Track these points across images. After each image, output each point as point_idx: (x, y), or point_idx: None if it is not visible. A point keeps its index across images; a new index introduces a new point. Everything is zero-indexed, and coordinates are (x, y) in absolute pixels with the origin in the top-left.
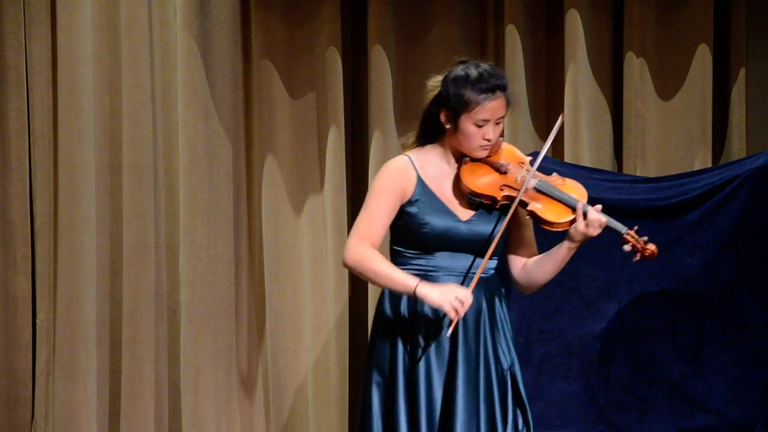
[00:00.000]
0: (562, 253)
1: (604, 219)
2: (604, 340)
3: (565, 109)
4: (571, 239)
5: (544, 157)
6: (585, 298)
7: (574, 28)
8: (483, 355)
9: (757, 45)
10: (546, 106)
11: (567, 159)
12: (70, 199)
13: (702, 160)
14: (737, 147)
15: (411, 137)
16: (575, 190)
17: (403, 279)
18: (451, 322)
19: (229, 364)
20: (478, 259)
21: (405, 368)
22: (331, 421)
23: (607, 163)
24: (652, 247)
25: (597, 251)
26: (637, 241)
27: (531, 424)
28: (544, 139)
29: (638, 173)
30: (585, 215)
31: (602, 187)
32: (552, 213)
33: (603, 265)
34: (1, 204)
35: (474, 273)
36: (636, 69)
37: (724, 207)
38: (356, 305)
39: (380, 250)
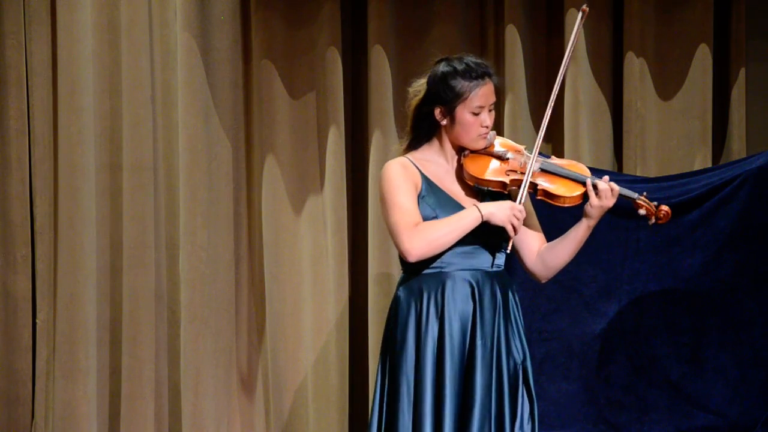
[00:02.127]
0: (581, 232)
1: (616, 187)
2: (604, 340)
3: (565, 109)
4: (588, 216)
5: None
6: (585, 298)
7: (574, 28)
8: (497, 349)
9: (757, 45)
10: (546, 105)
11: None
12: (70, 199)
13: (702, 160)
14: (737, 147)
15: (404, 143)
16: (577, 167)
17: (465, 217)
18: (509, 238)
19: (229, 364)
20: (489, 253)
21: (432, 364)
22: (331, 421)
23: (607, 163)
24: (665, 208)
25: (597, 251)
26: (650, 205)
27: (537, 419)
28: (545, 139)
29: (638, 173)
30: (595, 188)
31: None
32: (563, 188)
33: (603, 265)
34: (1, 204)
35: (489, 267)
36: (636, 69)
37: (724, 207)
38: (356, 305)
39: (389, 252)
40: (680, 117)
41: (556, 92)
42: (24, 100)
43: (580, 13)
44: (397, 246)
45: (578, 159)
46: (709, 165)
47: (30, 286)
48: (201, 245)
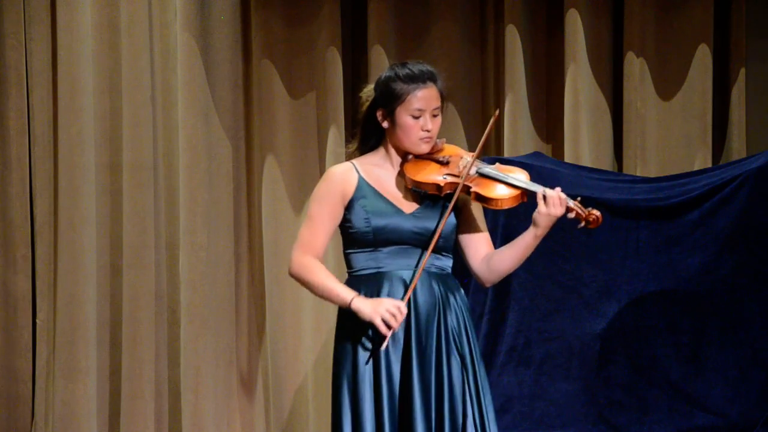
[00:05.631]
0: (527, 239)
1: (564, 197)
2: (604, 340)
3: (565, 109)
4: (535, 224)
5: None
6: (585, 298)
7: (574, 28)
8: (436, 350)
9: (757, 45)
10: (546, 106)
11: (567, 159)
12: (70, 199)
13: (702, 160)
14: (737, 147)
15: (353, 146)
16: (518, 172)
17: (340, 292)
18: (385, 336)
19: (229, 364)
20: (425, 253)
21: (369, 369)
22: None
23: (607, 163)
24: (596, 213)
25: (597, 251)
26: (581, 210)
27: (488, 418)
28: (545, 139)
29: (638, 173)
30: (544, 197)
31: (602, 187)
32: (495, 191)
33: (603, 265)
34: (1, 204)
35: (428, 268)
36: (636, 69)
37: (724, 207)
38: None
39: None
40: (680, 117)
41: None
42: (24, 100)
43: (493, 119)
44: (291, 254)
45: (578, 159)
46: (709, 165)
47: (30, 286)
48: (201, 245)
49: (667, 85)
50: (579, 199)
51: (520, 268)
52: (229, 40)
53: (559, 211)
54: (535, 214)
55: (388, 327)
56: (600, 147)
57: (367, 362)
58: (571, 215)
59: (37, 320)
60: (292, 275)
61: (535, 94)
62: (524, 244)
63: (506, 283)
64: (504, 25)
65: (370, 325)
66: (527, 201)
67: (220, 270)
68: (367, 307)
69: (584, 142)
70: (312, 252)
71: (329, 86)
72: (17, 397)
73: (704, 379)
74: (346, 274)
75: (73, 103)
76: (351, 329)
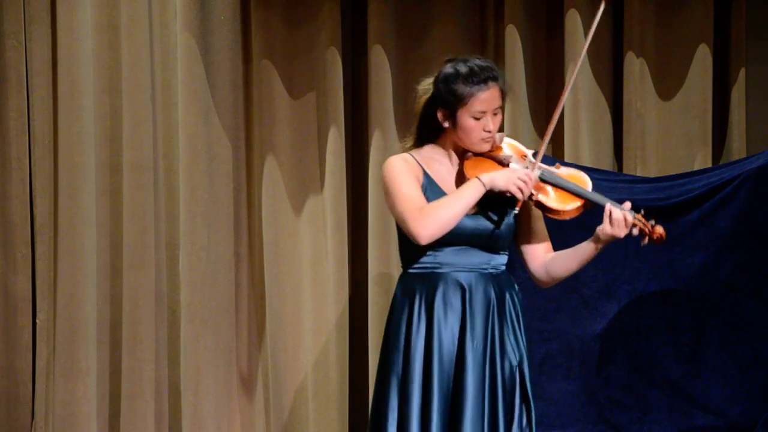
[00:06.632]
0: (587, 252)
1: (630, 218)
2: (604, 340)
3: (565, 109)
4: (597, 240)
5: (545, 156)
6: (585, 298)
7: (574, 28)
8: (490, 350)
9: (757, 45)
10: (546, 106)
11: (567, 159)
12: (70, 199)
13: (702, 160)
14: (737, 147)
15: (409, 141)
16: (579, 179)
17: (467, 189)
18: (518, 201)
19: (229, 364)
20: (485, 254)
21: (420, 366)
22: (331, 421)
23: (607, 163)
24: (660, 230)
25: None
26: (645, 225)
27: (534, 422)
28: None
29: (638, 173)
30: (610, 216)
31: (602, 187)
32: (557, 201)
33: (603, 265)
34: (1, 204)
35: (485, 268)
36: (636, 69)
37: (724, 207)
38: (356, 305)
39: (389, 252)
40: (680, 117)
41: (567, 95)
42: (24, 100)
43: (602, 7)
44: (408, 233)
45: (578, 159)
46: (709, 165)
47: (30, 286)
48: (201, 245)
49: (667, 85)
50: (642, 212)
51: (520, 269)
52: (229, 40)
53: (623, 232)
54: (599, 230)
55: (522, 193)
56: (600, 147)
57: (424, 360)
58: (635, 231)
59: (37, 320)
60: (427, 232)
61: (535, 94)
62: (584, 254)
63: None
64: (504, 25)
65: (421, 321)
66: (589, 209)
67: (220, 270)
68: (500, 178)
69: (584, 142)
70: (420, 208)
71: (329, 86)
72: (17, 397)
73: (704, 379)
74: (400, 270)
75: (73, 103)
76: (404, 322)
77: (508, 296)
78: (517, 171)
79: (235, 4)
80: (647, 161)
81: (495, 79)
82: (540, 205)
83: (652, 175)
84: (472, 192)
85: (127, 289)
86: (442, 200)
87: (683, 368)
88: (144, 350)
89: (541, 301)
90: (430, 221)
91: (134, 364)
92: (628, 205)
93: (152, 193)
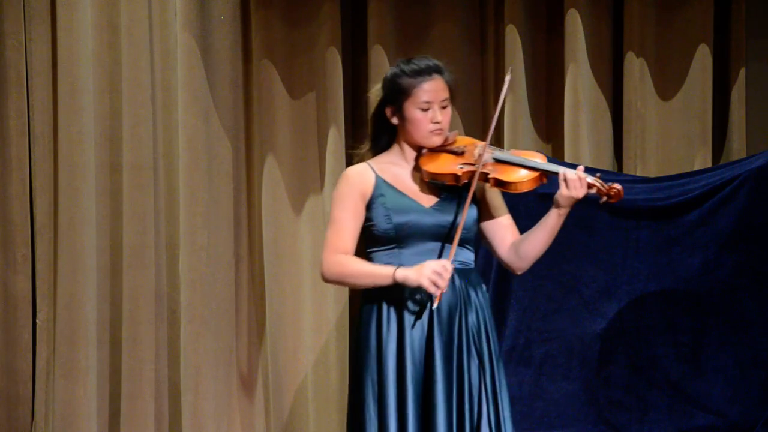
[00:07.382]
0: (551, 220)
1: (584, 176)
2: (604, 340)
3: (565, 109)
4: (557, 205)
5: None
6: (585, 298)
7: (574, 28)
8: (457, 346)
9: (757, 45)
10: (546, 106)
11: (567, 159)
12: (70, 199)
13: (702, 160)
14: (737, 147)
15: (365, 147)
16: (535, 155)
17: (380, 271)
18: (434, 296)
19: (229, 364)
20: (447, 245)
21: (393, 367)
22: (331, 421)
23: (607, 163)
24: (617, 186)
25: (597, 251)
26: (602, 185)
27: (504, 417)
28: (545, 139)
29: (638, 173)
30: (565, 179)
31: None
32: (514, 175)
33: (603, 265)
34: (1, 204)
35: (455, 264)
36: (636, 69)
37: (724, 207)
38: (356, 305)
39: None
40: (680, 117)
41: (498, 111)
42: (24, 100)
43: (508, 78)
44: (320, 259)
45: (578, 159)
46: (709, 165)
47: (30, 286)
48: (201, 245)
49: (667, 85)
50: (599, 174)
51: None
52: (229, 40)
53: (580, 192)
54: (557, 196)
55: (437, 287)
56: (600, 147)
57: (397, 360)
58: (592, 191)
59: (37, 320)
60: (327, 279)
61: (535, 94)
62: (549, 225)
63: (506, 282)
64: (504, 25)
65: (394, 314)
66: (547, 182)
67: (220, 270)
68: (412, 274)
69: (584, 142)
70: (341, 252)
71: (329, 86)
72: (17, 397)
73: (704, 379)
74: None
75: (73, 103)
76: (374, 323)
77: (473, 293)
78: (432, 264)
79: (235, 4)
80: (647, 161)
81: (439, 71)
82: (498, 182)
83: (652, 175)
84: (379, 280)
85: (127, 289)
86: (356, 266)
87: (683, 368)
88: (144, 350)
89: (541, 301)
90: (333, 273)
91: (134, 364)
92: (582, 168)
93: (152, 193)
